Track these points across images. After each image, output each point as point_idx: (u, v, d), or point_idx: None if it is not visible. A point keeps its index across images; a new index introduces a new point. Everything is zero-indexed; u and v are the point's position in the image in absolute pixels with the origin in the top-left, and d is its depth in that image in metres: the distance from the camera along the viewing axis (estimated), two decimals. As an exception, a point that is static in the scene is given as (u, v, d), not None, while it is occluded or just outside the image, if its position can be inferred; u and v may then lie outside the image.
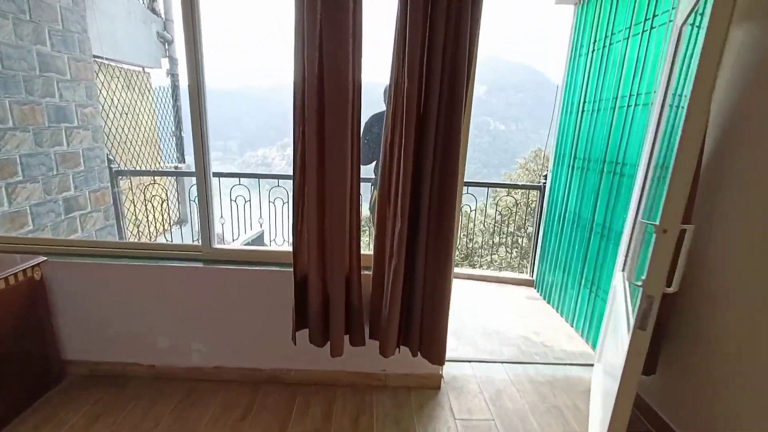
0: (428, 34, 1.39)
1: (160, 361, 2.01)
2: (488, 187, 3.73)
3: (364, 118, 1.58)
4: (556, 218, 2.92)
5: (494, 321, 2.67)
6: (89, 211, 2.81)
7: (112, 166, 3.28)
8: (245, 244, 2.58)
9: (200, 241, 1.91)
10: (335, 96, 1.43)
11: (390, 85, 1.45)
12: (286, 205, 3.65)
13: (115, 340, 2.00)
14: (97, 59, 3.07)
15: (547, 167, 3.33)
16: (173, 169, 4.42)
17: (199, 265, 1.87)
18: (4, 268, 1.68)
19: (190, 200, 4.10)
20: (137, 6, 3.87)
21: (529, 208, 3.74)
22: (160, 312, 1.93)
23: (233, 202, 3.64)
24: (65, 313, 1.97)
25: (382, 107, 2.53)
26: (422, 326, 1.70)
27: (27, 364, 1.77)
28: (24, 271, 1.73)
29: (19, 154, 2.24)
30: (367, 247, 1.90)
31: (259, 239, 3.18)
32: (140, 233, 3.77)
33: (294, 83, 1.46)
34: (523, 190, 3.89)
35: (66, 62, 2.54)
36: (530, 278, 3.33)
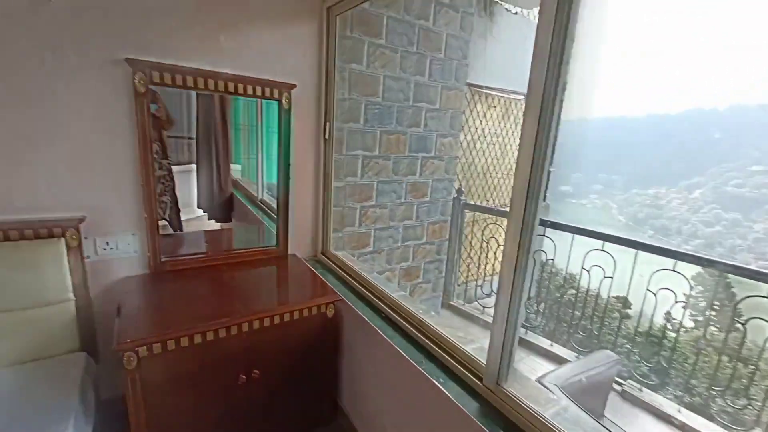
0: None
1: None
2: None
3: None
4: None
5: None
6: (423, 242, 2.72)
7: (461, 197, 3.10)
8: (568, 381, 1.38)
9: (486, 361, 1.10)
10: None
11: None
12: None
13: (372, 418, 1.60)
14: (476, 88, 2.98)
15: None
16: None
17: (471, 409, 1.07)
18: (307, 297, 1.64)
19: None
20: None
21: None
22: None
23: (586, 272, 2.54)
24: (348, 357, 1.79)
25: None
26: None
27: (304, 394, 1.70)
28: (318, 306, 1.62)
29: (377, 181, 2.34)
30: None
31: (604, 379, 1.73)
32: (468, 273, 3.49)
33: None
34: None
35: (438, 92, 2.48)
36: None
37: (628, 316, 2.78)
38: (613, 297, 2.69)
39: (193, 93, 1.73)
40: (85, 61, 1.39)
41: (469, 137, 3.30)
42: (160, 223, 1.69)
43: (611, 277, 2.35)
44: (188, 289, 1.62)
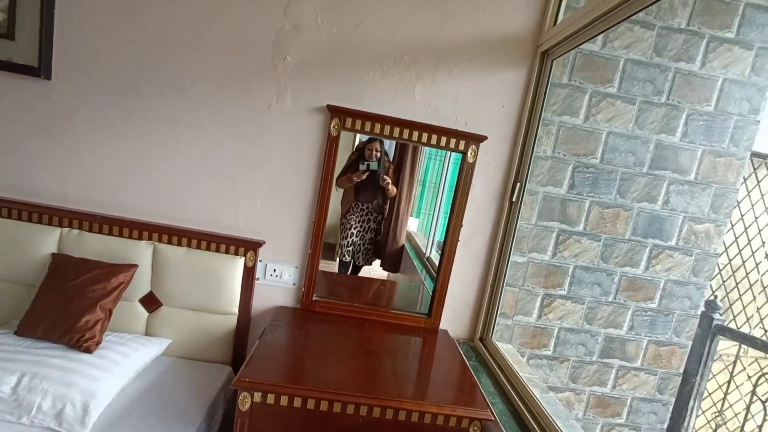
0: None
1: None
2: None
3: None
4: None
5: None
6: (636, 366, 1.86)
7: (714, 315, 2.04)
8: None
9: None
10: None
11: None
12: None
13: None
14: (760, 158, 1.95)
15: None
16: None
17: None
18: (449, 399, 1.24)
19: None
20: None
21: None
22: None
23: None
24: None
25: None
26: None
27: None
28: (460, 418, 1.20)
29: (575, 265, 1.75)
30: None
31: None
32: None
33: None
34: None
35: (696, 158, 1.71)
36: None
37: None
38: None
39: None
40: (297, 106, 1.56)
41: (742, 227, 2.21)
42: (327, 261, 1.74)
43: None
44: (325, 340, 1.50)
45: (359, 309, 1.72)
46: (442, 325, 1.72)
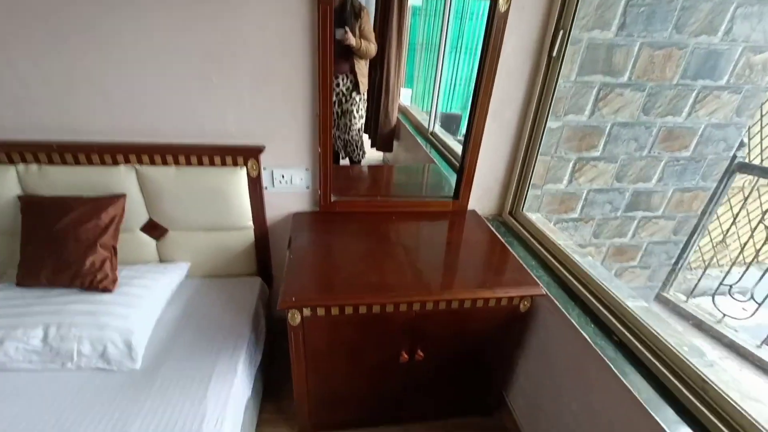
0: None
1: None
2: None
3: None
4: None
5: None
6: (657, 215, 1.87)
7: (737, 153, 1.99)
8: None
9: None
10: None
11: None
12: None
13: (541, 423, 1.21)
14: None
15: None
16: None
17: None
18: (498, 282, 1.22)
19: None
20: None
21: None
22: None
23: None
24: (533, 357, 1.38)
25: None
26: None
27: (470, 383, 1.41)
28: (511, 298, 1.20)
29: (613, 122, 1.58)
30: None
31: None
32: (715, 257, 2.43)
33: None
34: None
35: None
36: None
37: None
38: None
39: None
40: (266, -49, 1.11)
41: None
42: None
43: None
44: (356, 241, 1.40)
45: (383, 203, 1.59)
46: (470, 206, 1.63)
